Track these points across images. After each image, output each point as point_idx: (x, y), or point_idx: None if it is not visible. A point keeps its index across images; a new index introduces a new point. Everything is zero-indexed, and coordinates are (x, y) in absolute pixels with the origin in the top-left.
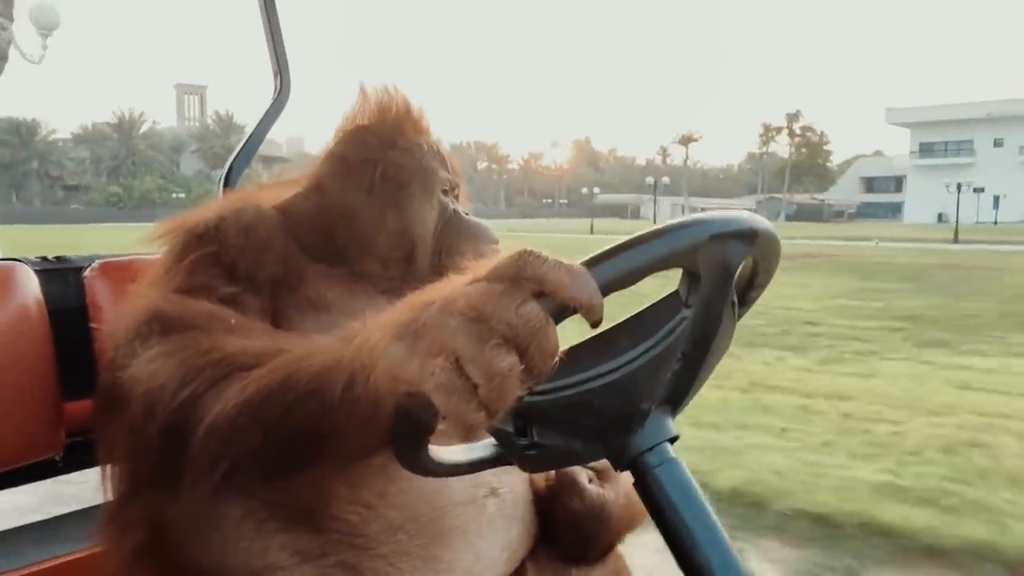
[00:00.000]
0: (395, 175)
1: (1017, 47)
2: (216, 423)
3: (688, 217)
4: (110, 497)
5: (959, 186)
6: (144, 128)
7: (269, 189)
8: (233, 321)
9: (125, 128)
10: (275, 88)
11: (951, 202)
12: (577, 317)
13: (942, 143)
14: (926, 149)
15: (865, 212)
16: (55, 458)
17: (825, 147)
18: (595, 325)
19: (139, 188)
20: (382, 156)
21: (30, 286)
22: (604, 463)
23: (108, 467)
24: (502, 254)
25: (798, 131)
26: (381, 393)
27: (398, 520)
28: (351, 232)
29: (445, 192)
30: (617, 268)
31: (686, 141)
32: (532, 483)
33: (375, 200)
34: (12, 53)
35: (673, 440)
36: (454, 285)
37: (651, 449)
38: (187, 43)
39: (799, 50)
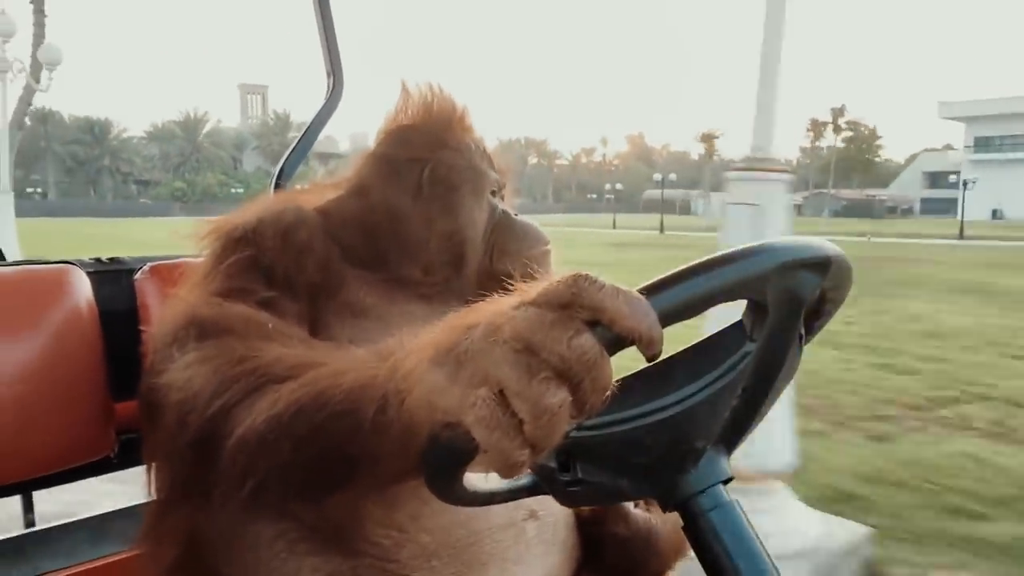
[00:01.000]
0: (445, 176)
1: None
2: (246, 437)
3: (757, 244)
4: (153, 500)
5: (964, 183)
6: (209, 127)
7: (313, 191)
8: (271, 326)
9: (190, 126)
10: (328, 87)
11: (1007, 198)
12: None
13: (998, 137)
14: (981, 144)
15: (929, 208)
16: (110, 455)
17: (876, 142)
18: (652, 359)
19: (201, 183)
20: (430, 156)
21: (82, 288)
22: None
23: (152, 473)
24: (554, 275)
25: (843, 125)
26: (416, 420)
27: (432, 546)
28: (396, 235)
29: (493, 193)
30: (678, 298)
31: (708, 139)
32: None
33: (423, 202)
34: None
35: (727, 481)
36: (500, 308)
37: (704, 491)
38: (251, 45)
39: (853, 43)
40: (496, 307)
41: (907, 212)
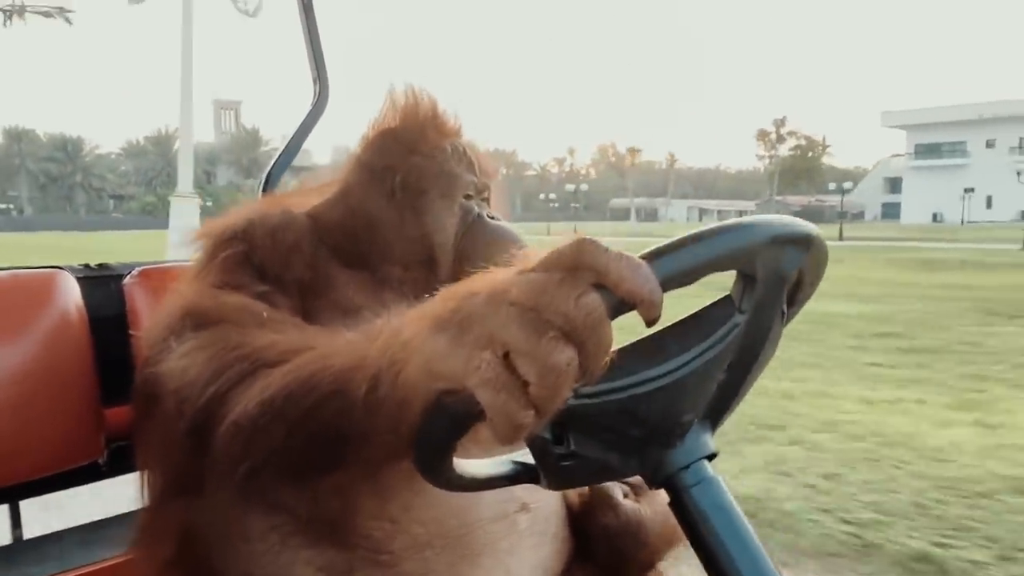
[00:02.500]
0: (415, 181)
1: (1007, 48)
2: (239, 421)
3: (748, 218)
4: (146, 502)
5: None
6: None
7: (300, 194)
8: (265, 314)
9: (162, 142)
10: (314, 94)
11: (944, 202)
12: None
13: (937, 144)
14: (921, 151)
15: (890, 212)
16: (98, 462)
17: (824, 150)
18: (652, 323)
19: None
20: (402, 162)
21: (71, 293)
22: (639, 479)
23: (145, 473)
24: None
25: (785, 136)
26: (412, 392)
27: (424, 537)
28: (374, 239)
29: (469, 196)
30: (678, 264)
31: (632, 152)
32: (565, 498)
33: (396, 207)
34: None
35: (711, 457)
36: (503, 275)
37: (688, 467)
38: (225, 62)
39: (806, 56)
40: (497, 275)
41: (857, 217)
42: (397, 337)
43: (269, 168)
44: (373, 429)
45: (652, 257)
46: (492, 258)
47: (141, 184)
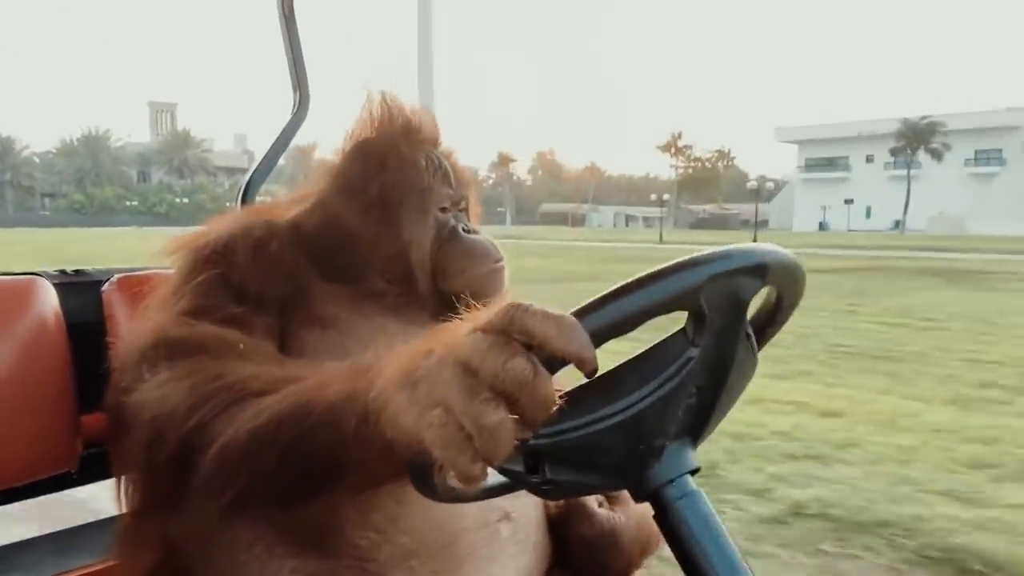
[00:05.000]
0: (389, 196)
1: (886, 69)
2: (228, 447)
3: (686, 258)
4: (125, 511)
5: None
6: (121, 143)
7: (283, 204)
8: (241, 345)
9: (91, 143)
10: (295, 102)
11: (830, 212)
12: None
13: (824, 159)
14: (811, 164)
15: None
16: (70, 470)
17: (727, 161)
18: (590, 375)
19: (100, 197)
20: (377, 176)
21: (49, 299)
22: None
23: (123, 482)
24: (497, 303)
25: (682, 148)
26: (391, 434)
27: (409, 546)
28: (352, 252)
29: (445, 209)
30: (610, 317)
31: (505, 162)
32: (544, 508)
33: (371, 221)
34: None
35: (694, 472)
36: (454, 334)
37: (672, 482)
38: (162, 64)
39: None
40: (451, 333)
41: (762, 225)
42: (375, 383)
43: (249, 174)
44: (368, 455)
45: (582, 313)
46: (465, 275)
47: (72, 183)
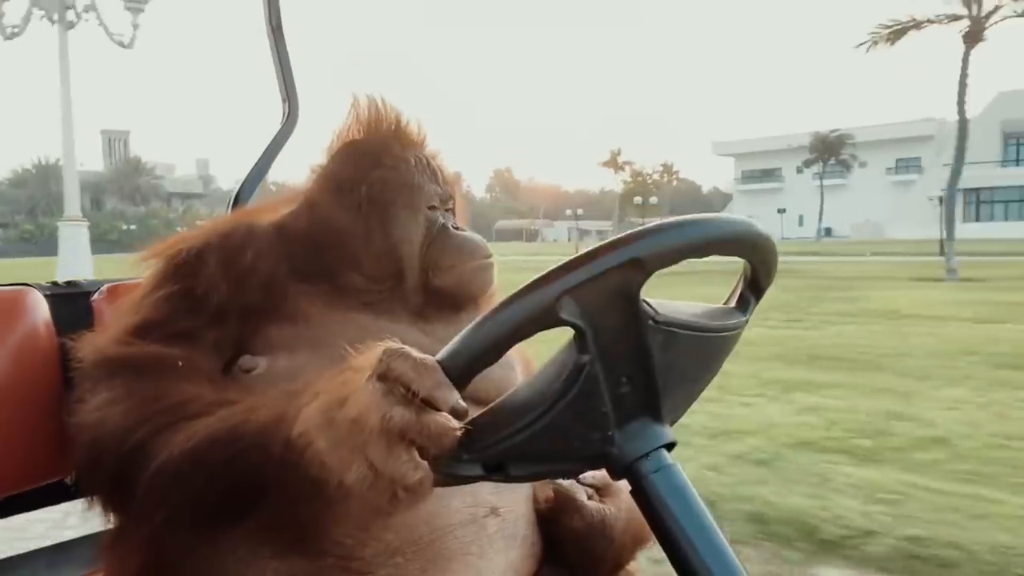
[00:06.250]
0: (380, 194)
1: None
2: (162, 469)
3: (537, 278)
4: (111, 519)
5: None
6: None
7: (271, 206)
8: (180, 363)
9: (43, 172)
10: (283, 113)
11: (766, 222)
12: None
13: (760, 171)
14: (747, 176)
15: None
16: (66, 481)
17: (671, 175)
18: (456, 416)
19: (50, 226)
20: (367, 175)
21: (40, 310)
22: (603, 480)
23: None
24: (376, 347)
25: (623, 165)
26: (316, 472)
27: (395, 543)
28: (341, 252)
29: (433, 207)
30: (469, 354)
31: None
32: (534, 503)
33: (362, 220)
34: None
35: (670, 446)
36: (356, 381)
37: (646, 456)
38: (114, 92)
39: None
40: (355, 378)
41: None
42: (302, 419)
43: (239, 185)
44: (289, 479)
45: (444, 356)
46: (456, 270)
47: (22, 212)
